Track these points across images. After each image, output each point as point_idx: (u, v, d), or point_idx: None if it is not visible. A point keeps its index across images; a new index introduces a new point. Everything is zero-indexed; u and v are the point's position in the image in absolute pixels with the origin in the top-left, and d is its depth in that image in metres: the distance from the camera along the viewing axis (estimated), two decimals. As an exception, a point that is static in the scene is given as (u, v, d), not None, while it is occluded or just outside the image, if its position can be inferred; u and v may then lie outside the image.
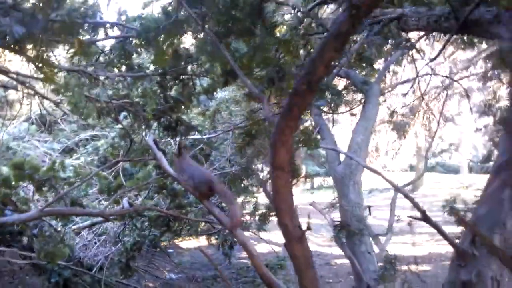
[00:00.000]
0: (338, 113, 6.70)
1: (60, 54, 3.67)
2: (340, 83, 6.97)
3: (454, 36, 4.19)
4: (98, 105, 3.81)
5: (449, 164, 26.91)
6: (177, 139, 4.39)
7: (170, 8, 3.05)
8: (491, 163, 8.03)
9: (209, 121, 6.07)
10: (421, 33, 5.30)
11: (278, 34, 3.12)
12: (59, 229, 4.95)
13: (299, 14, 3.16)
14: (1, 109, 8.22)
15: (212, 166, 6.22)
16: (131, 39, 3.52)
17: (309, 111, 5.24)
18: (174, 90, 4.16)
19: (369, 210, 5.43)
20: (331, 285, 8.14)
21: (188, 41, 3.66)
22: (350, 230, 4.60)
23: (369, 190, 17.39)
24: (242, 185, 6.39)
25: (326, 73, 1.75)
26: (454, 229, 5.24)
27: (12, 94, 7.00)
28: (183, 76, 4.01)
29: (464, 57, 9.64)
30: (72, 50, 2.47)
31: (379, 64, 6.42)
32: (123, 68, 3.86)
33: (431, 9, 3.28)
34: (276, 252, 7.83)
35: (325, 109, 5.54)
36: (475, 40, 5.46)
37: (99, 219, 5.94)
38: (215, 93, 4.93)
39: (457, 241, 2.64)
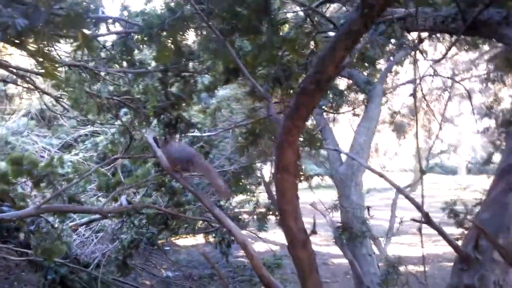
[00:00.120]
0: (339, 113, 6.67)
1: (61, 49, 3.62)
2: (342, 82, 6.93)
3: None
4: (99, 101, 3.76)
5: (447, 165, 26.92)
6: (177, 136, 4.35)
7: (172, 3, 3.01)
8: (491, 166, 8.02)
9: (209, 119, 6.02)
10: (426, 34, 5.26)
11: (282, 32, 3.08)
12: (56, 225, 4.90)
13: (305, 11, 3.11)
14: (0, 103, 8.16)
15: (211, 164, 6.17)
16: (133, 34, 3.48)
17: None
18: (175, 87, 4.13)
19: (368, 210, 5.39)
20: (328, 285, 8.13)
21: (190, 38, 3.62)
22: (352, 232, 4.56)
23: (367, 190, 17.35)
24: (241, 183, 6.35)
25: (336, 72, 1.71)
26: (453, 231, 5.24)
27: (11, 89, 6.94)
28: (185, 73, 3.97)
29: (466, 58, 9.61)
30: (75, 44, 2.42)
31: (381, 65, 6.39)
32: (125, 64, 3.82)
33: (437, 9, 3.24)
34: (273, 251, 7.82)
35: (327, 108, 5.51)
36: (479, 41, 5.44)
37: (97, 216, 5.90)
38: (216, 90, 4.89)
39: (457, 242, 2.60)
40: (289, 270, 7.93)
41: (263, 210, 5.91)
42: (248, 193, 6.46)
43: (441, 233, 2.55)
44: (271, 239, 8.88)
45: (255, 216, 6.34)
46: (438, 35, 5.24)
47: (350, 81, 6.41)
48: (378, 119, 6.05)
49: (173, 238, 8.81)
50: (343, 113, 7.27)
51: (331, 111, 6.41)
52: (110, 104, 3.95)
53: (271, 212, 5.81)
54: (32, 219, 4.77)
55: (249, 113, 4.63)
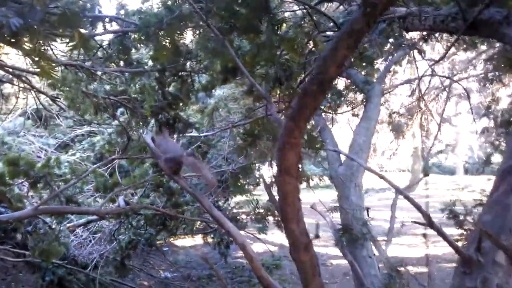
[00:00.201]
0: (338, 113, 6.65)
1: (57, 48, 3.58)
2: (340, 82, 6.91)
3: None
4: (96, 101, 3.72)
5: (444, 165, 26.96)
6: (175, 136, 4.32)
7: (170, 2, 2.98)
8: (490, 166, 8.02)
9: (207, 118, 5.99)
10: (424, 33, 5.24)
11: (281, 31, 3.04)
12: (54, 226, 4.87)
13: (305, 10, 3.08)
14: (-4, 103, 8.11)
15: (209, 164, 6.15)
16: (130, 33, 3.45)
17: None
18: (173, 87, 4.09)
19: (367, 211, 5.36)
20: (327, 286, 8.07)
21: (187, 37, 3.59)
22: (353, 234, 4.53)
23: (365, 190, 17.37)
24: (239, 184, 6.32)
25: (339, 73, 1.68)
26: (453, 231, 5.23)
27: (7, 88, 6.89)
28: (182, 73, 3.94)
29: (464, 58, 9.61)
30: (71, 44, 2.38)
31: (379, 64, 6.36)
32: (122, 63, 3.78)
33: (437, 9, 3.22)
34: (272, 251, 7.79)
35: (326, 109, 5.48)
36: (477, 41, 5.43)
37: (95, 217, 5.87)
38: (213, 90, 4.87)
39: (458, 243, 2.57)
40: (288, 271, 7.91)
41: (261, 211, 5.89)
42: (247, 194, 6.44)
43: (443, 235, 2.52)
44: (270, 240, 8.85)
45: (253, 217, 6.32)
46: (437, 34, 5.22)
47: (349, 81, 6.39)
48: (377, 119, 6.02)
49: (171, 239, 8.78)
50: (342, 113, 7.26)
51: (330, 111, 6.40)
52: (107, 104, 3.91)
53: (270, 213, 5.79)
54: (29, 220, 4.73)
55: (247, 113, 4.59)
